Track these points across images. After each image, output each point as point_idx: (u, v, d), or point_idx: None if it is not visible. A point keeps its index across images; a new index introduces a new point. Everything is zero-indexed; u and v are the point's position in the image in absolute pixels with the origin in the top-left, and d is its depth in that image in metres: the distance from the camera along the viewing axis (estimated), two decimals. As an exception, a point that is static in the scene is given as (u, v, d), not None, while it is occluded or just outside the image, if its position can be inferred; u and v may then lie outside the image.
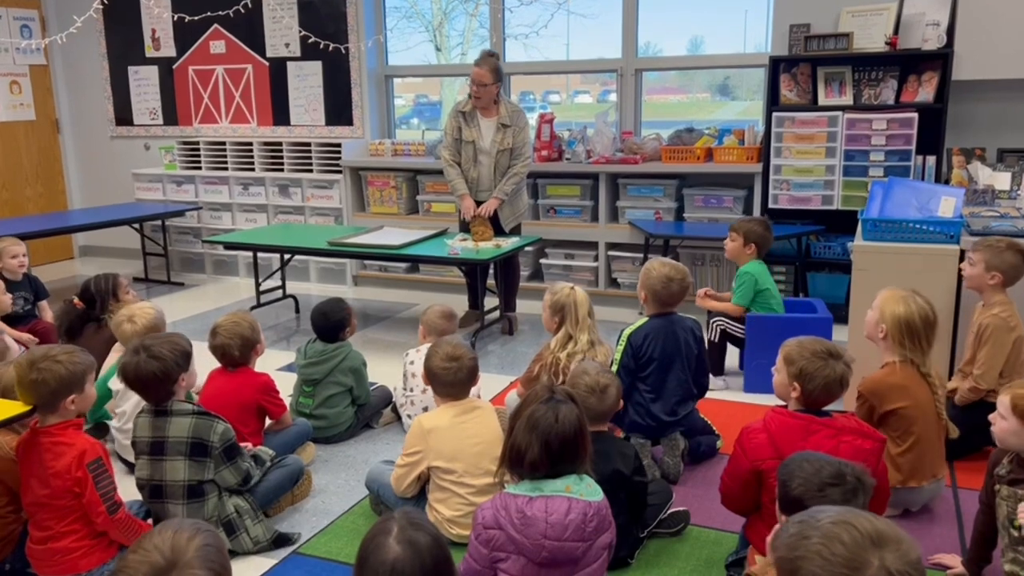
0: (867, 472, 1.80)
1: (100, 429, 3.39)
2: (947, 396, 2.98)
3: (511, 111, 4.79)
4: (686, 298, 3.29)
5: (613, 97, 6.00)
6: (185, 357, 2.61)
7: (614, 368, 3.12)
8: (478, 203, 4.84)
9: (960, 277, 3.34)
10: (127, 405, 3.15)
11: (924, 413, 2.70)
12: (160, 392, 2.57)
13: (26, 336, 4.17)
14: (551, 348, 3.21)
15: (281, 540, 2.69)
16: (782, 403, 2.43)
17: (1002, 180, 4.37)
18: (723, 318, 3.97)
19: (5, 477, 2.45)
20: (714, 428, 3.31)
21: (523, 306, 5.19)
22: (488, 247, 4.68)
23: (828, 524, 1.26)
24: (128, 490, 2.65)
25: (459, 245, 4.70)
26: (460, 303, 5.23)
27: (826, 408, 2.36)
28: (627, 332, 3.18)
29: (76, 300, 3.94)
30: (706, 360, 3.30)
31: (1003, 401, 2.20)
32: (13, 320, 4.19)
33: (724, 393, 3.92)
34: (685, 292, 3.21)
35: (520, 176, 4.83)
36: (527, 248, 5.14)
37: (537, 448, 1.99)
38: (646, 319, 3.21)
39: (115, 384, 3.19)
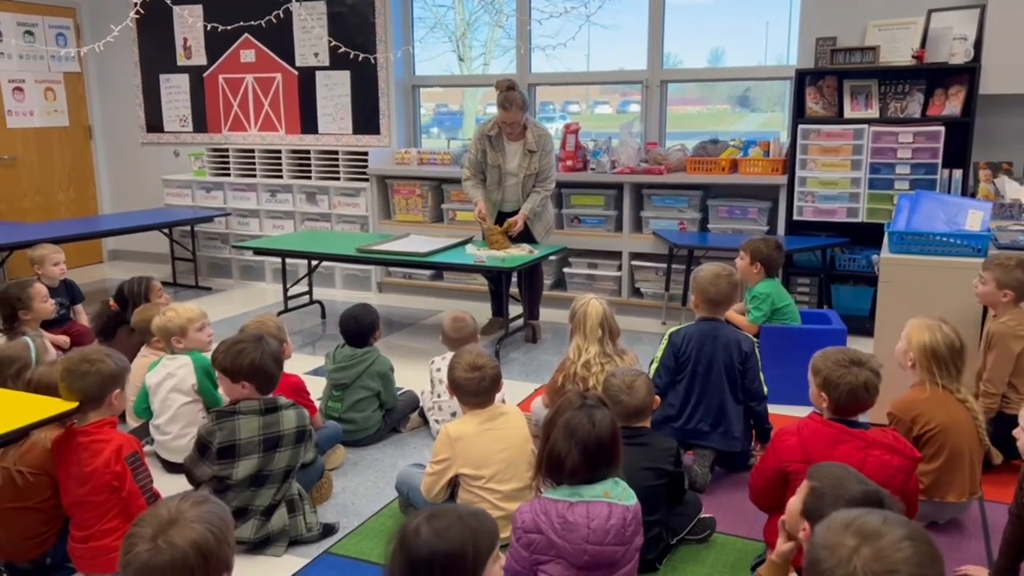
0: (900, 508, 1.81)
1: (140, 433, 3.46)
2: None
3: (537, 135, 4.78)
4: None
5: (634, 108, 6.04)
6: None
7: (654, 366, 3.18)
8: (502, 215, 4.91)
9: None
10: (165, 413, 3.23)
11: (959, 432, 2.71)
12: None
13: (61, 338, 4.26)
14: (571, 358, 3.25)
15: (328, 530, 2.79)
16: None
17: (1029, 194, 4.37)
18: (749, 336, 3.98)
19: (50, 470, 2.51)
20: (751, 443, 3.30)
21: (546, 314, 5.23)
22: (514, 254, 4.73)
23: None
24: (165, 487, 2.70)
25: (485, 253, 4.76)
26: (483, 310, 5.29)
27: (862, 419, 2.38)
28: (670, 331, 3.23)
29: (112, 302, 4.02)
30: (756, 373, 3.17)
31: (1023, 415, 2.22)
32: (48, 323, 4.27)
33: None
34: (734, 290, 3.21)
35: (544, 196, 4.90)
36: (551, 257, 5.18)
37: (577, 454, 2.03)
38: (692, 322, 3.25)
39: (150, 379, 3.27)
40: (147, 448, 3.35)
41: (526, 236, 4.93)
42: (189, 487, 2.77)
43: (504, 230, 4.82)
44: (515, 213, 4.94)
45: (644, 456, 2.52)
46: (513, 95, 4.63)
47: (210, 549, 1.50)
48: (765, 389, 3.20)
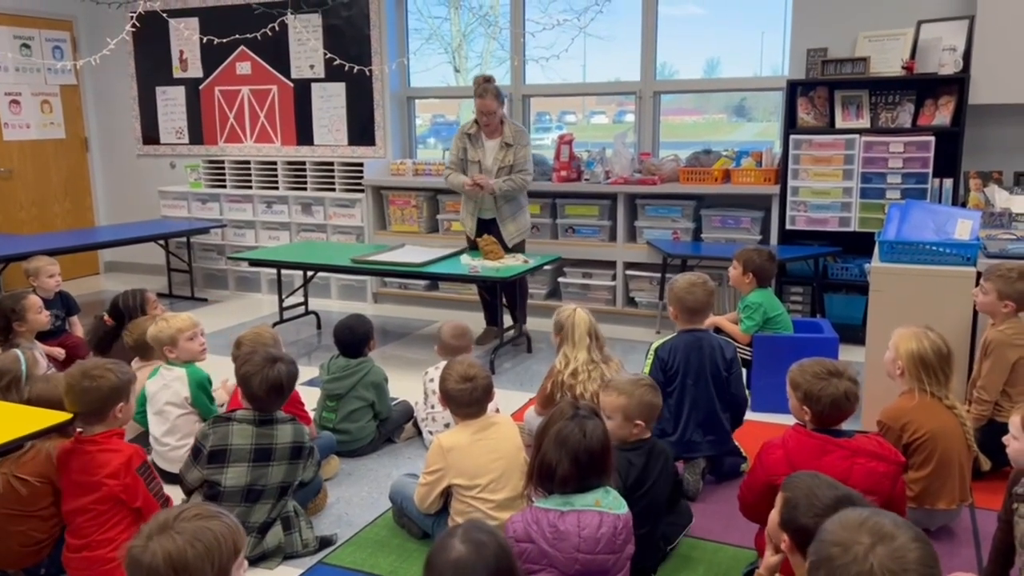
0: (875, 505, 1.83)
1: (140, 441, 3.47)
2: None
3: (514, 131, 4.94)
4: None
5: (629, 118, 6.08)
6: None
7: None
8: (481, 223, 5.02)
9: (977, 299, 3.38)
10: (163, 424, 3.24)
11: (948, 439, 2.73)
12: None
13: (56, 350, 4.26)
14: (558, 368, 3.27)
15: (324, 543, 2.80)
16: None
17: (1019, 203, 4.39)
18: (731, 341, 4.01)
19: (53, 478, 2.52)
20: (741, 450, 3.32)
21: (541, 324, 5.24)
22: (509, 264, 4.75)
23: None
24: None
25: (480, 263, 4.78)
26: (476, 320, 5.30)
27: (844, 427, 2.40)
28: (655, 345, 3.23)
29: (106, 317, 4.03)
30: (740, 379, 3.25)
31: (1014, 422, 2.24)
32: (44, 335, 4.28)
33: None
34: (711, 297, 3.24)
35: (516, 183, 4.91)
36: (546, 267, 5.20)
37: (567, 464, 2.04)
38: (674, 334, 3.26)
39: (150, 385, 3.30)
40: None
41: (496, 237, 4.97)
42: (183, 497, 2.78)
43: (474, 182, 4.84)
44: (493, 220, 5.02)
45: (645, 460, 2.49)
46: (489, 85, 4.80)
47: (184, 564, 1.45)
48: (747, 394, 3.27)
